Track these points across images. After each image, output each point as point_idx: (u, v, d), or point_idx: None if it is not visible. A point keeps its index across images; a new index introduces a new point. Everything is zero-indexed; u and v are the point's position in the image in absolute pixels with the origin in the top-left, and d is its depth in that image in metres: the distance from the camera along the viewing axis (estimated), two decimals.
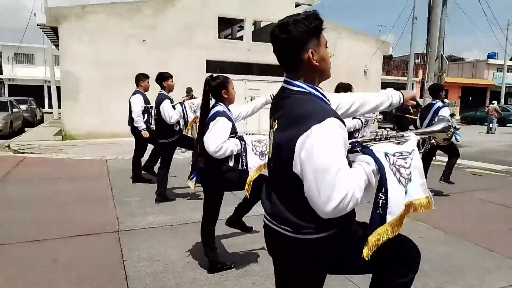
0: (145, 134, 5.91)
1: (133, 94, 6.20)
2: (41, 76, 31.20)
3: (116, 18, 12.32)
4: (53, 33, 13.27)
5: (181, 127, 5.38)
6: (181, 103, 5.08)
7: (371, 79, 16.36)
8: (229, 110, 3.15)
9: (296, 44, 1.43)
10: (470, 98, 31.88)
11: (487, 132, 17.63)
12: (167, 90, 5.25)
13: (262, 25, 17.23)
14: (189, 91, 9.49)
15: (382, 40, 16.82)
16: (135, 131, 6.12)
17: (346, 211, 1.30)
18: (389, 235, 1.44)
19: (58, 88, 15.32)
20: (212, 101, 3.16)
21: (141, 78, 6.40)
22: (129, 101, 6.15)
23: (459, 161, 8.45)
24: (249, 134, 3.23)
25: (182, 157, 8.03)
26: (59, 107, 18.59)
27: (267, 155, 2.90)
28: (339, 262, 1.55)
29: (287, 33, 1.42)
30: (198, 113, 4.76)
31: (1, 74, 31.97)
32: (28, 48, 30.23)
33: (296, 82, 1.47)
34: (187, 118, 4.97)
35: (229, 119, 3.03)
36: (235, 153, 3.00)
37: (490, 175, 7.85)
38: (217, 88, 3.10)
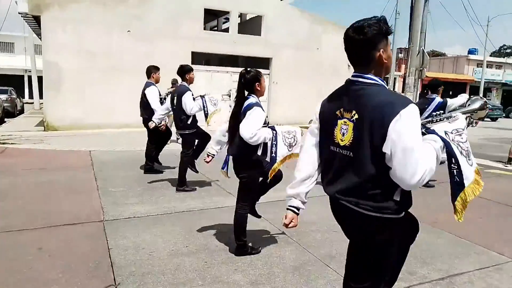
0: (151, 125, 5.97)
1: (147, 86, 6.27)
2: (21, 66, 30.40)
3: (99, 7, 12.13)
4: (35, 21, 12.97)
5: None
6: (202, 96, 5.25)
7: None
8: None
9: (370, 44, 1.66)
10: (451, 93, 32.53)
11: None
12: (188, 83, 5.36)
13: (248, 18, 17.21)
14: (174, 83, 9.47)
15: None
16: (147, 122, 6.10)
17: (425, 182, 1.59)
18: (475, 193, 1.79)
19: (39, 78, 15.05)
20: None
21: (152, 70, 6.45)
22: (143, 93, 6.23)
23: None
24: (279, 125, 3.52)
25: (167, 148, 8.07)
26: (40, 97, 18.24)
27: (294, 147, 3.32)
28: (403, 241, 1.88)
29: (363, 35, 1.65)
30: (218, 106, 5.20)
31: None
32: (8, 36, 29.38)
33: (369, 76, 1.69)
34: (207, 111, 5.16)
35: (263, 109, 3.30)
36: (267, 141, 3.27)
37: None
38: (251, 81, 3.31)
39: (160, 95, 6.30)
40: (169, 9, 12.96)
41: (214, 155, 3.74)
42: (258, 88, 3.34)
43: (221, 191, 5.58)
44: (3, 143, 9.02)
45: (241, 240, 3.43)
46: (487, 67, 32.84)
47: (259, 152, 3.30)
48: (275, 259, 3.39)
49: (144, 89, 6.28)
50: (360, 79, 1.69)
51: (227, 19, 17.04)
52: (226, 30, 16.71)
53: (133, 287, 2.86)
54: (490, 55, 35.35)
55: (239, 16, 15.93)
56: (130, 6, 12.49)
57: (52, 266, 3.11)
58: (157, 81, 6.43)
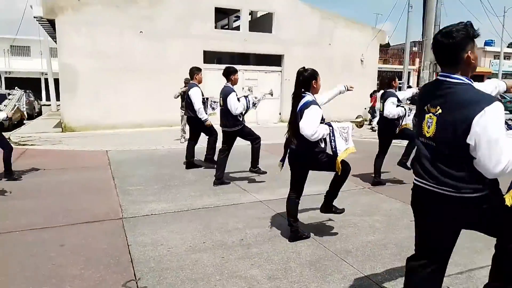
0: (208, 124, 6.32)
1: (191, 87, 6.56)
2: (38, 69, 31.07)
3: (112, 10, 12.31)
4: (49, 25, 13.25)
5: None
6: (245, 97, 5.65)
7: (368, 68, 16.42)
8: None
9: (459, 47, 1.85)
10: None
11: None
12: (232, 84, 5.61)
13: (258, 15, 17.20)
14: (187, 82, 9.55)
15: (378, 29, 16.84)
16: (192, 121, 6.59)
17: (507, 172, 1.76)
18: None
19: (56, 80, 15.34)
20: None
21: (195, 72, 6.79)
22: (188, 94, 6.54)
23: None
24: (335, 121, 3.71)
25: (182, 147, 8.15)
26: (57, 99, 18.62)
27: (350, 141, 3.62)
28: (484, 217, 2.02)
29: (452, 39, 1.84)
30: (258, 106, 5.77)
31: None
32: (24, 40, 29.98)
33: (456, 76, 1.88)
34: (249, 110, 5.69)
35: (319, 107, 3.48)
36: (325, 136, 3.50)
37: None
38: (308, 78, 3.50)
39: (202, 95, 6.62)
40: (180, 9, 13.06)
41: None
42: (314, 86, 3.53)
43: (236, 188, 5.62)
44: (23, 145, 9.27)
45: (293, 226, 3.69)
46: (504, 58, 32.07)
47: (322, 145, 3.53)
48: (291, 254, 3.41)
49: (188, 90, 6.60)
50: (448, 79, 1.89)
51: (238, 17, 17.09)
52: (237, 28, 16.74)
53: (153, 282, 2.92)
54: (508, 46, 34.51)
55: (249, 14, 15.93)
56: (142, 7, 12.63)
57: (74, 262, 3.20)
58: (199, 82, 6.74)
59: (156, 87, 12.61)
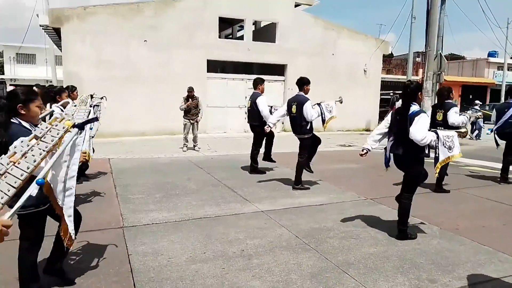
0: (267, 129, 6.50)
1: (257, 96, 6.98)
2: (43, 76, 31.30)
3: (117, 19, 12.44)
4: (55, 33, 13.39)
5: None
6: (319, 104, 6.04)
7: (371, 78, 16.46)
8: None
9: None
10: (471, 97, 31.91)
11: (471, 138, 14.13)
12: (305, 92, 6.02)
13: (262, 25, 17.34)
14: (190, 91, 9.60)
15: (381, 40, 16.91)
16: (257, 128, 7.00)
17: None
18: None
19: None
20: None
21: (259, 82, 7.18)
22: (254, 103, 6.95)
23: (457, 159, 8.54)
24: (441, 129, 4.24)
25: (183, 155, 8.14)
26: None
27: (453, 149, 3.98)
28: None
29: None
30: (334, 113, 6.07)
31: (3, 74, 32.10)
32: (30, 48, 30.30)
33: None
34: (324, 117, 6.02)
35: (428, 115, 3.94)
36: (433, 143, 3.86)
37: (486, 172, 7.96)
38: (415, 90, 3.90)
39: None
40: (184, 19, 13.18)
41: (369, 150, 4.30)
42: (420, 97, 3.94)
43: (238, 197, 5.60)
44: None
45: (404, 225, 4.02)
46: (508, 69, 32.05)
47: (426, 151, 3.90)
48: (292, 266, 3.38)
49: (254, 99, 6.97)
50: None
51: (242, 27, 17.20)
52: (241, 37, 16.86)
53: None
54: (511, 57, 34.50)
55: (253, 24, 16.07)
56: (146, 16, 12.76)
57: (73, 271, 3.18)
58: (262, 91, 7.11)
59: (160, 95, 12.68)
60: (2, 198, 1.35)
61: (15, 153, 1.53)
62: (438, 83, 12.33)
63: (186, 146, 9.84)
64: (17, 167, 1.46)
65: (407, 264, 3.45)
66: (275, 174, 7.24)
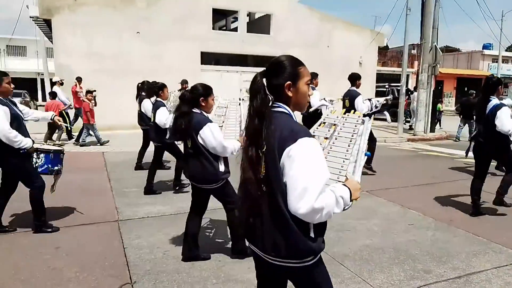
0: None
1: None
2: (34, 69, 30.90)
3: (109, 10, 12.25)
4: (46, 25, 13.17)
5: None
6: (369, 99, 6.35)
7: (366, 70, 16.42)
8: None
9: None
10: (466, 89, 32.06)
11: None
12: (356, 87, 6.40)
13: (256, 17, 17.20)
14: (183, 83, 9.51)
15: (376, 32, 16.87)
16: (308, 120, 7.01)
17: None
18: None
19: (52, 81, 15.27)
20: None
21: (313, 77, 7.17)
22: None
23: (453, 151, 8.61)
24: None
25: None
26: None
27: None
28: None
29: None
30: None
31: None
32: (20, 40, 29.84)
33: None
34: (372, 112, 6.33)
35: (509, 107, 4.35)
36: None
37: None
38: (496, 84, 4.31)
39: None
40: (178, 10, 13.02)
41: None
42: (500, 91, 4.34)
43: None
44: None
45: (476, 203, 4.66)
46: (502, 62, 32.20)
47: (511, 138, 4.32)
48: None
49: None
50: None
51: (236, 19, 17.05)
52: (235, 29, 16.72)
53: (149, 285, 2.89)
54: (506, 50, 34.68)
55: (247, 15, 15.93)
56: (139, 8, 12.58)
57: (69, 265, 3.16)
58: (316, 85, 7.29)
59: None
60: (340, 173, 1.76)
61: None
62: (433, 75, 12.36)
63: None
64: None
65: (402, 256, 3.47)
66: None
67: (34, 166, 3.85)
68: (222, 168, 3.09)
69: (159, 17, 12.79)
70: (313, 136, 1.55)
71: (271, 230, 1.52)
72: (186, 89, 9.97)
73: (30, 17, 12.02)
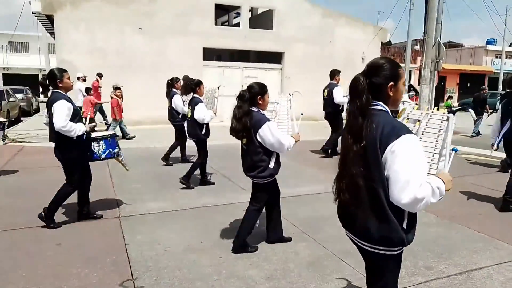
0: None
1: (334, 86, 7.60)
2: (36, 65, 30.94)
3: (111, 6, 12.22)
4: (48, 21, 13.15)
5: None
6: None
7: None
8: None
9: None
10: (468, 85, 31.87)
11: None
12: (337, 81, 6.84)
13: (259, 12, 17.12)
14: (186, 79, 9.48)
15: (379, 27, 16.76)
16: (330, 116, 7.82)
17: None
18: None
19: None
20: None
21: (336, 73, 7.76)
22: (330, 91, 7.56)
23: (455, 147, 8.59)
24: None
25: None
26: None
27: None
28: None
29: None
30: (405, 105, 6.66)
31: None
32: (22, 36, 29.86)
33: None
34: (398, 108, 6.62)
35: None
36: None
37: (484, 160, 7.99)
38: None
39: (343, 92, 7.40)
40: (180, 6, 12.97)
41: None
42: None
43: (235, 187, 5.59)
44: (21, 142, 9.22)
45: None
46: (506, 57, 31.96)
47: None
48: (290, 255, 3.38)
49: (331, 89, 7.54)
50: None
51: (238, 14, 16.99)
52: (237, 25, 16.65)
53: (150, 281, 2.89)
54: (510, 45, 34.40)
55: (250, 11, 15.84)
56: (141, 3, 12.54)
57: (71, 261, 3.17)
58: (338, 82, 7.67)
59: (155, 84, 12.51)
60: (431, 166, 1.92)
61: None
62: (436, 71, 12.29)
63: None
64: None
65: (404, 252, 3.45)
66: None
67: (97, 153, 4.09)
68: (272, 165, 3.30)
69: (161, 13, 12.75)
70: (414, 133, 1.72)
71: (369, 219, 1.71)
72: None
73: (32, 12, 11.99)
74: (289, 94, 4.09)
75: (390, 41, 24.19)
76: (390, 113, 1.74)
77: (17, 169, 6.40)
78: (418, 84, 13.45)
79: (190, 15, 13.12)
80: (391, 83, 1.73)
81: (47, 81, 3.79)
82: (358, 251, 1.93)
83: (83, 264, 3.13)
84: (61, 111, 3.63)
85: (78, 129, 3.72)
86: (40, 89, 4.13)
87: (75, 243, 3.55)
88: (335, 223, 4.09)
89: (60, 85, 3.76)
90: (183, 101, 6.83)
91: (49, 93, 3.90)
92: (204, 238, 3.70)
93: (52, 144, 4.00)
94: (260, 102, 3.29)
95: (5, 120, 6.21)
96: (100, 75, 11.23)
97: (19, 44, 31.80)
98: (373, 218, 1.69)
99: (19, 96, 17.60)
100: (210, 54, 14.83)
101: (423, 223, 4.20)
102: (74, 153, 3.83)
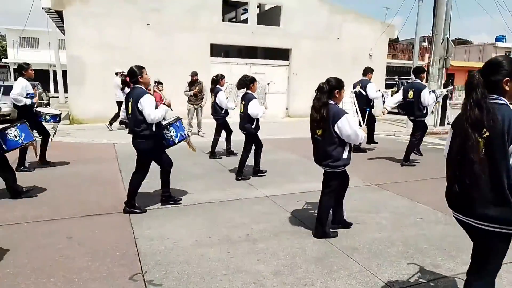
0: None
1: (367, 83, 7.88)
2: (46, 60, 31.21)
3: (120, 1, 12.27)
4: (58, 16, 13.26)
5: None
6: (433, 91, 6.94)
7: (376, 62, 16.20)
8: None
9: None
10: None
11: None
12: (420, 80, 6.84)
13: (266, 8, 17.07)
14: (193, 75, 9.54)
15: (387, 23, 16.62)
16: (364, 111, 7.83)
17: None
18: None
19: (64, 72, 15.40)
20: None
21: (369, 71, 8.10)
22: (364, 87, 7.69)
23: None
24: None
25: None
26: (65, 91, 18.69)
27: None
28: None
29: None
30: (439, 99, 7.53)
31: (6, 58, 32.02)
32: (33, 31, 30.13)
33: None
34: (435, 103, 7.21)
35: None
36: None
37: None
38: None
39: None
40: (188, 2, 12.98)
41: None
42: None
43: (243, 183, 5.61)
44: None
45: None
46: None
47: None
48: (297, 250, 3.40)
49: (365, 85, 7.76)
50: None
51: (246, 10, 16.95)
52: (245, 21, 16.63)
53: (159, 275, 2.93)
54: None
55: (257, 7, 15.80)
56: None
57: (81, 254, 3.23)
58: (370, 79, 8.08)
59: (163, 80, 12.60)
60: None
61: None
62: (444, 68, 12.16)
63: (191, 131, 9.83)
64: None
65: (412, 250, 3.47)
66: (279, 159, 7.24)
67: (171, 139, 4.52)
68: (346, 155, 3.52)
69: (170, 9, 12.78)
70: None
71: (489, 201, 1.89)
72: (197, 80, 10.09)
73: (42, 8, 12.09)
74: (352, 92, 4.36)
75: (397, 38, 23.98)
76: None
77: (28, 163, 6.48)
78: (426, 81, 13.32)
79: (198, 11, 13.13)
80: (507, 78, 1.92)
81: (127, 78, 4.18)
82: (469, 236, 2.15)
83: (94, 257, 3.18)
84: (150, 104, 4.02)
85: (161, 115, 4.14)
86: (120, 86, 4.79)
87: (85, 236, 3.60)
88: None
89: (141, 80, 4.12)
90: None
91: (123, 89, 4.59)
92: (212, 233, 3.73)
93: (63, 139, 4.06)
94: (337, 96, 3.51)
95: (60, 112, 6.60)
96: (159, 83, 10.33)
97: (30, 39, 32.08)
98: (494, 201, 1.87)
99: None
100: (218, 50, 14.84)
101: (430, 220, 4.20)
102: (152, 144, 4.16)
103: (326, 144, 3.46)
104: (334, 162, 3.48)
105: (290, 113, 14.79)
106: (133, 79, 4.11)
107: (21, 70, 6.06)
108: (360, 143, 7.66)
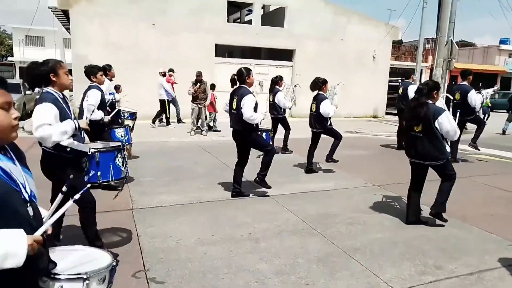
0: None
1: (410, 84, 8.11)
2: None
3: (126, 1, 12.34)
4: (64, 16, 13.35)
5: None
6: (480, 92, 7.22)
7: (380, 64, 16.23)
8: None
9: None
10: (480, 85, 31.31)
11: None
12: (468, 82, 7.03)
13: (271, 9, 17.10)
14: (199, 75, 9.58)
15: (391, 25, 16.60)
16: (400, 112, 8.12)
17: None
18: None
19: (69, 71, 15.47)
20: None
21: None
22: (406, 89, 7.99)
23: (465, 147, 8.51)
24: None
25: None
26: (70, 90, 18.74)
27: None
28: None
29: None
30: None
31: (12, 56, 32.21)
32: (38, 30, 30.30)
33: None
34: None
35: None
36: None
37: (496, 161, 7.89)
38: None
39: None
40: (193, 2, 13.04)
41: None
42: None
43: (245, 182, 5.62)
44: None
45: None
46: None
47: None
48: (299, 250, 3.41)
49: (406, 87, 7.98)
50: None
51: (250, 11, 17.01)
52: (249, 22, 16.67)
53: (162, 273, 2.95)
54: None
55: (262, 8, 15.85)
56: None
57: None
58: (413, 80, 8.42)
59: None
60: None
61: None
62: (448, 70, 12.14)
63: (194, 131, 9.87)
64: None
65: (414, 251, 3.47)
66: (282, 159, 7.25)
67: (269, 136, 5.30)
68: (448, 148, 3.89)
69: (175, 9, 12.84)
70: None
71: None
72: (202, 80, 10.16)
73: (49, 7, 12.20)
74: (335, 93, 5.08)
75: (401, 39, 23.92)
76: None
77: (32, 161, 6.52)
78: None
79: (203, 12, 13.18)
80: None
81: (236, 77, 4.60)
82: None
83: None
84: (251, 104, 4.39)
85: (257, 118, 4.50)
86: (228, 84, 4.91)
87: None
88: (344, 220, 4.13)
89: (248, 81, 4.54)
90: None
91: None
92: (214, 232, 3.75)
93: None
94: (435, 96, 3.90)
95: (136, 111, 7.07)
96: (172, 70, 11.39)
97: (35, 38, 32.26)
98: None
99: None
100: (222, 50, 14.88)
101: (433, 222, 4.19)
102: (255, 135, 4.68)
103: (427, 140, 3.80)
104: (440, 155, 3.81)
105: (293, 113, 14.78)
106: (241, 78, 4.53)
107: (105, 71, 6.33)
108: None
